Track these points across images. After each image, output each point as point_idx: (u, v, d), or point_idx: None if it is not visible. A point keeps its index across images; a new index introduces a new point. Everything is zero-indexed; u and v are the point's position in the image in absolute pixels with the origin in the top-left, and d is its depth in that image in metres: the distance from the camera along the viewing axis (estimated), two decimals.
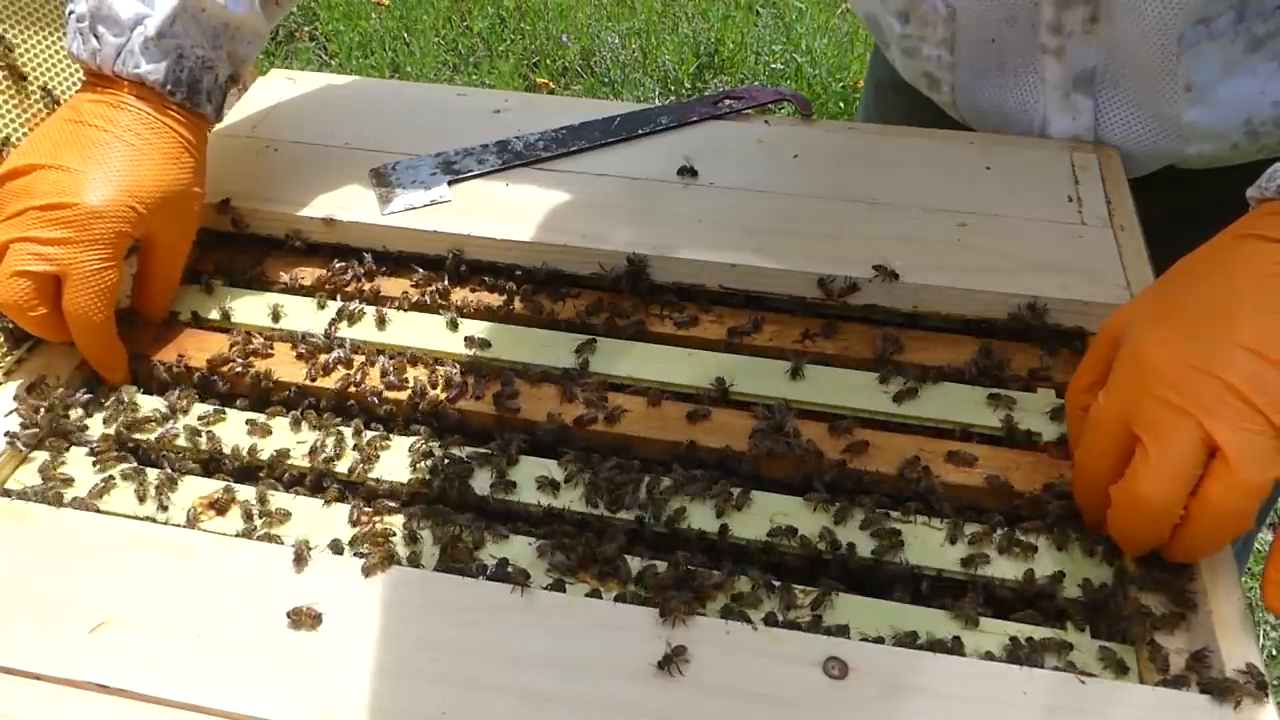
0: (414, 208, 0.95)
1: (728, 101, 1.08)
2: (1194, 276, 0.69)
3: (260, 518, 0.74)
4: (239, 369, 0.85)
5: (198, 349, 0.87)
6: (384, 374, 0.84)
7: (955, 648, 0.66)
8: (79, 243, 0.77)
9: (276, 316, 0.89)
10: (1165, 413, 0.62)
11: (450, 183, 0.98)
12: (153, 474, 0.77)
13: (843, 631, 0.67)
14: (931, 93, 1.07)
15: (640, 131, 1.04)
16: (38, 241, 0.77)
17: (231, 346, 0.87)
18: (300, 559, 0.68)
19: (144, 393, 0.84)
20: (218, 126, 1.06)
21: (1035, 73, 0.98)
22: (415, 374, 0.85)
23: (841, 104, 2.73)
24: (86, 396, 0.82)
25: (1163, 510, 0.63)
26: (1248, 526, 0.63)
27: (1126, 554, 0.69)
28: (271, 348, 0.87)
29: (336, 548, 0.72)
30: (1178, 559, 0.67)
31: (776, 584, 0.70)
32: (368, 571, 0.69)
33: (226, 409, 0.82)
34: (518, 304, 0.90)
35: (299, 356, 0.86)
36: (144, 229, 0.81)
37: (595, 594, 0.69)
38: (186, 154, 0.84)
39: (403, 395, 0.83)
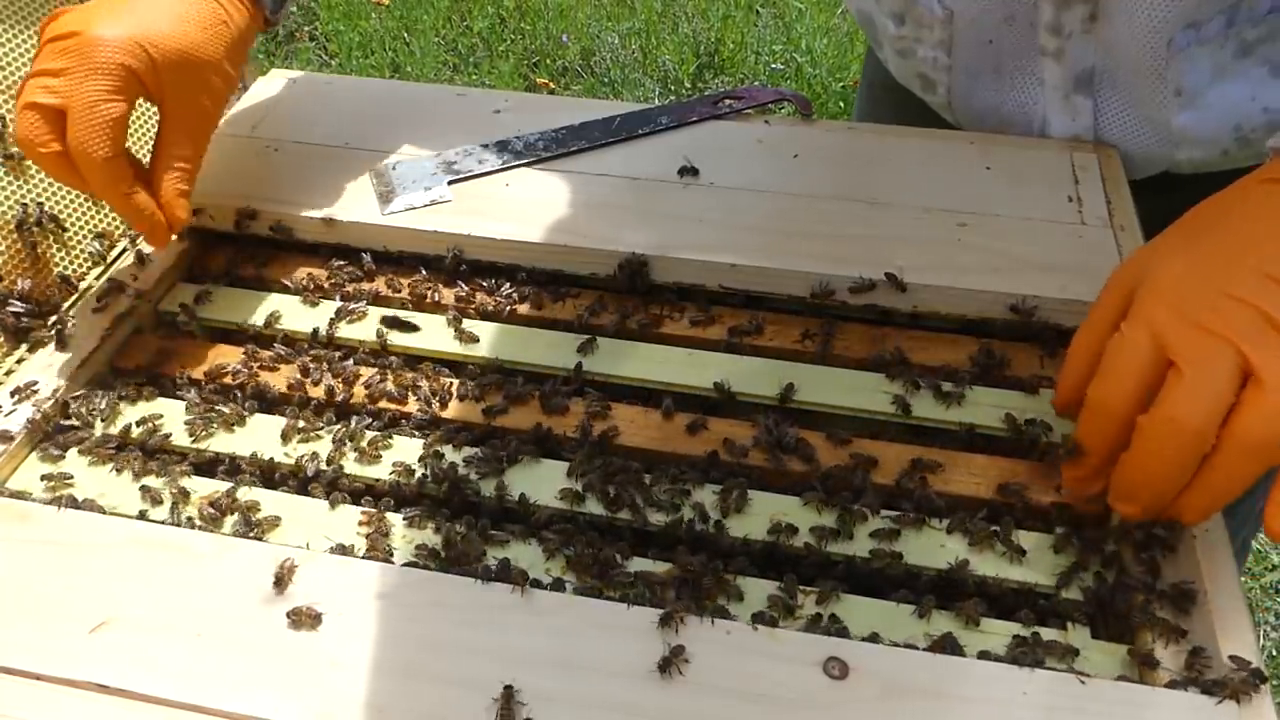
0: (414, 208, 0.95)
1: (728, 101, 1.08)
2: (1222, 213, 0.69)
3: (261, 518, 0.74)
4: (240, 371, 0.85)
5: (198, 350, 0.87)
6: (384, 375, 0.84)
7: (955, 648, 0.66)
8: (79, 71, 0.75)
9: (277, 318, 0.89)
10: (1201, 336, 0.61)
11: (450, 183, 0.98)
12: (153, 474, 0.77)
13: (843, 631, 0.67)
14: (926, 94, 1.07)
15: (640, 132, 1.04)
16: (46, 74, 0.76)
17: (233, 349, 0.87)
18: (280, 583, 0.67)
19: (144, 393, 0.84)
20: (218, 127, 1.06)
21: (1033, 75, 0.97)
22: (415, 375, 0.85)
23: (841, 104, 2.73)
24: (88, 396, 0.82)
25: (1197, 435, 0.61)
26: (1275, 460, 0.62)
27: (1133, 509, 0.67)
28: (272, 349, 0.87)
29: (337, 548, 0.72)
30: (1194, 514, 0.66)
31: (777, 584, 0.70)
32: (368, 571, 0.69)
33: (227, 410, 0.82)
34: (518, 304, 0.90)
35: (299, 357, 0.86)
36: (154, 79, 0.78)
37: (595, 594, 0.69)
38: (222, 27, 0.82)
39: (402, 396, 0.83)
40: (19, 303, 0.88)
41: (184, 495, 0.76)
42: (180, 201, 0.83)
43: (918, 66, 1.04)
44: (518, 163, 1.00)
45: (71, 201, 0.95)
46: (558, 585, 0.69)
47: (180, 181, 0.83)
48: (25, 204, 0.91)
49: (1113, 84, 0.95)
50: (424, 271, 0.93)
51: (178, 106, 0.81)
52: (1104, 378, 0.66)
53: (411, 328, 0.88)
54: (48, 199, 0.93)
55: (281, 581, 0.67)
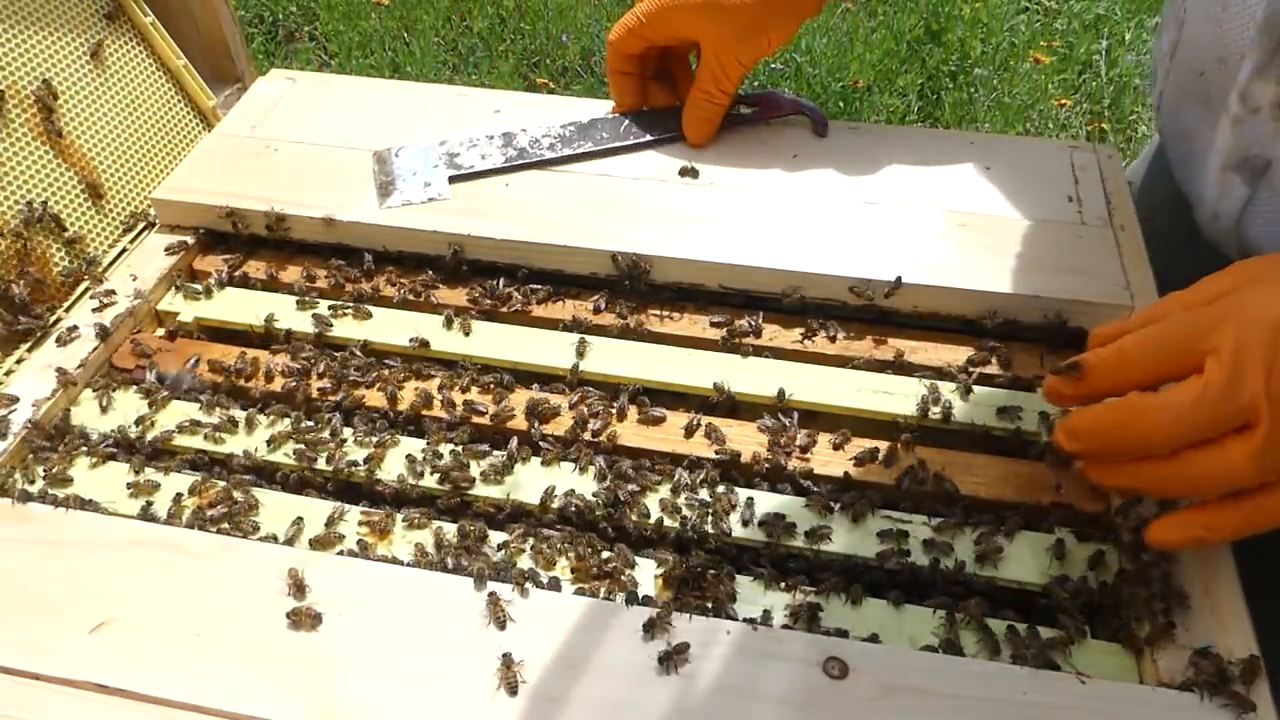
0: (411, 204, 0.95)
1: (742, 108, 1.05)
2: None
3: (260, 518, 0.74)
4: (239, 371, 0.85)
5: (198, 350, 0.87)
6: (383, 375, 0.84)
7: (955, 648, 0.66)
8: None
9: (276, 318, 0.89)
10: (1250, 359, 0.59)
11: (451, 179, 0.97)
12: (154, 474, 0.77)
13: (842, 632, 0.67)
14: (1150, 83, 0.99)
15: (648, 139, 1.02)
16: None
17: (232, 349, 0.87)
18: (301, 589, 0.68)
19: (144, 394, 0.84)
20: (217, 127, 1.07)
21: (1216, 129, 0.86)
22: (415, 375, 0.85)
23: (841, 104, 2.73)
24: (87, 397, 0.82)
25: (1196, 429, 0.61)
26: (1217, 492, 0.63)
27: (1076, 446, 0.69)
28: (271, 349, 0.87)
29: (338, 549, 0.72)
30: (1112, 480, 0.68)
31: (777, 584, 0.70)
32: (368, 571, 0.69)
33: (227, 410, 0.82)
34: (517, 304, 0.90)
35: (298, 357, 0.86)
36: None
37: (596, 594, 0.69)
38: None
39: (402, 396, 0.83)
40: (19, 303, 0.88)
41: (183, 495, 0.76)
42: (694, 128, 1.01)
43: (1156, 51, 0.97)
44: (521, 161, 0.99)
45: (73, 201, 0.95)
46: (557, 585, 0.69)
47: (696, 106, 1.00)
48: (30, 202, 0.91)
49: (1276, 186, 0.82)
50: (424, 271, 0.93)
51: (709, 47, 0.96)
52: (1143, 339, 0.65)
53: (410, 328, 0.88)
54: (50, 198, 0.93)
55: (301, 587, 0.67)
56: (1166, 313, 0.66)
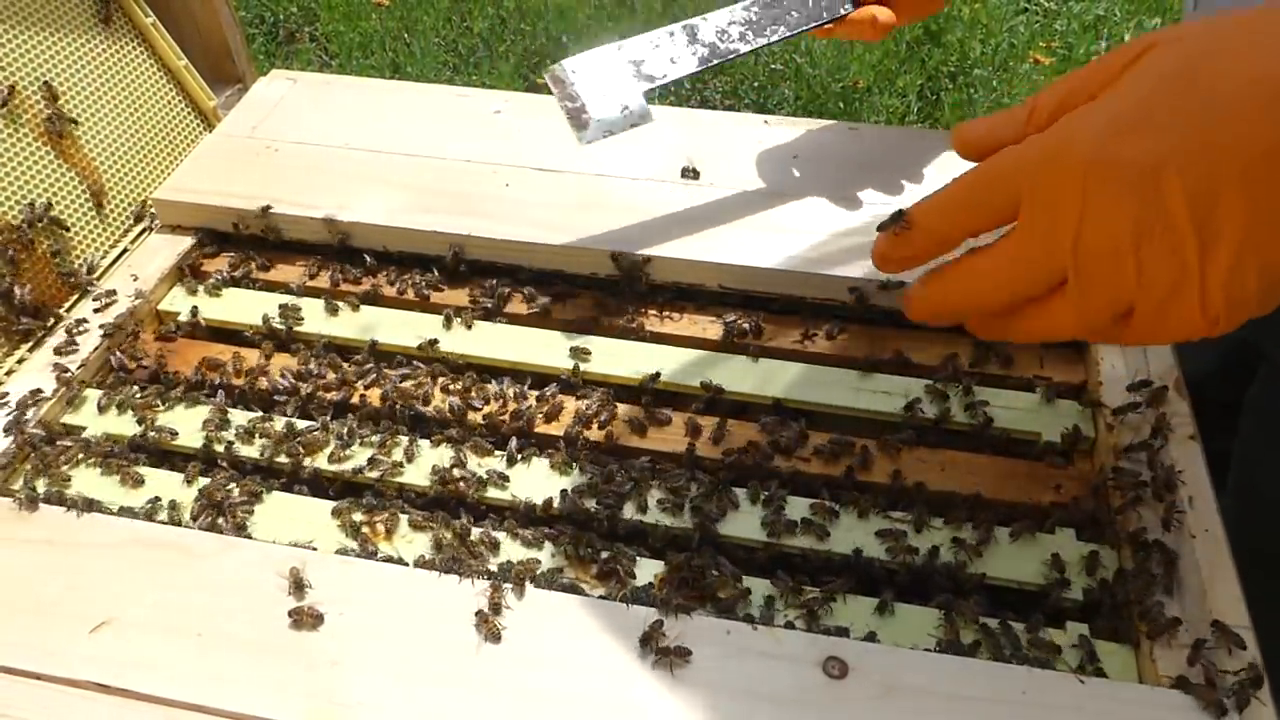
0: (613, 134, 0.83)
1: None
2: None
3: (260, 518, 0.74)
4: (239, 371, 0.85)
5: (198, 350, 0.87)
6: (384, 374, 0.84)
7: (955, 648, 0.66)
8: None
9: (276, 318, 0.89)
10: (1062, 205, 0.52)
11: (647, 94, 0.84)
12: (154, 473, 0.77)
13: (843, 631, 0.67)
14: None
15: (848, 8, 0.86)
16: None
17: (232, 349, 0.87)
18: (300, 587, 0.68)
19: (144, 393, 0.84)
20: (218, 127, 1.07)
21: None
22: (415, 374, 0.85)
23: (841, 104, 2.73)
24: (88, 396, 0.82)
25: (1007, 293, 0.55)
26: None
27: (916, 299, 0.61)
28: (271, 349, 0.87)
29: (338, 548, 0.72)
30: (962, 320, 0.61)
31: (777, 584, 0.70)
32: (369, 571, 0.69)
33: (227, 409, 0.82)
34: (517, 304, 0.90)
35: (298, 357, 0.86)
36: None
37: (596, 594, 0.69)
38: None
39: (403, 396, 0.83)
40: (20, 303, 0.88)
41: (183, 495, 0.76)
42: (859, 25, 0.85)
43: None
44: (715, 60, 0.85)
45: (74, 201, 0.95)
46: (557, 585, 0.69)
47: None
48: (31, 203, 0.91)
49: None
50: (424, 271, 0.93)
51: None
52: (973, 178, 0.56)
53: (410, 328, 0.88)
54: (51, 198, 0.93)
55: (301, 586, 0.67)
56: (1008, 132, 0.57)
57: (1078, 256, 0.51)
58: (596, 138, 0.82)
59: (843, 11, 0.86)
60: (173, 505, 0.75)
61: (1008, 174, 0.54)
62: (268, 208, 0.94)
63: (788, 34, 0.86)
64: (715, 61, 0.84)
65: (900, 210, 0.58)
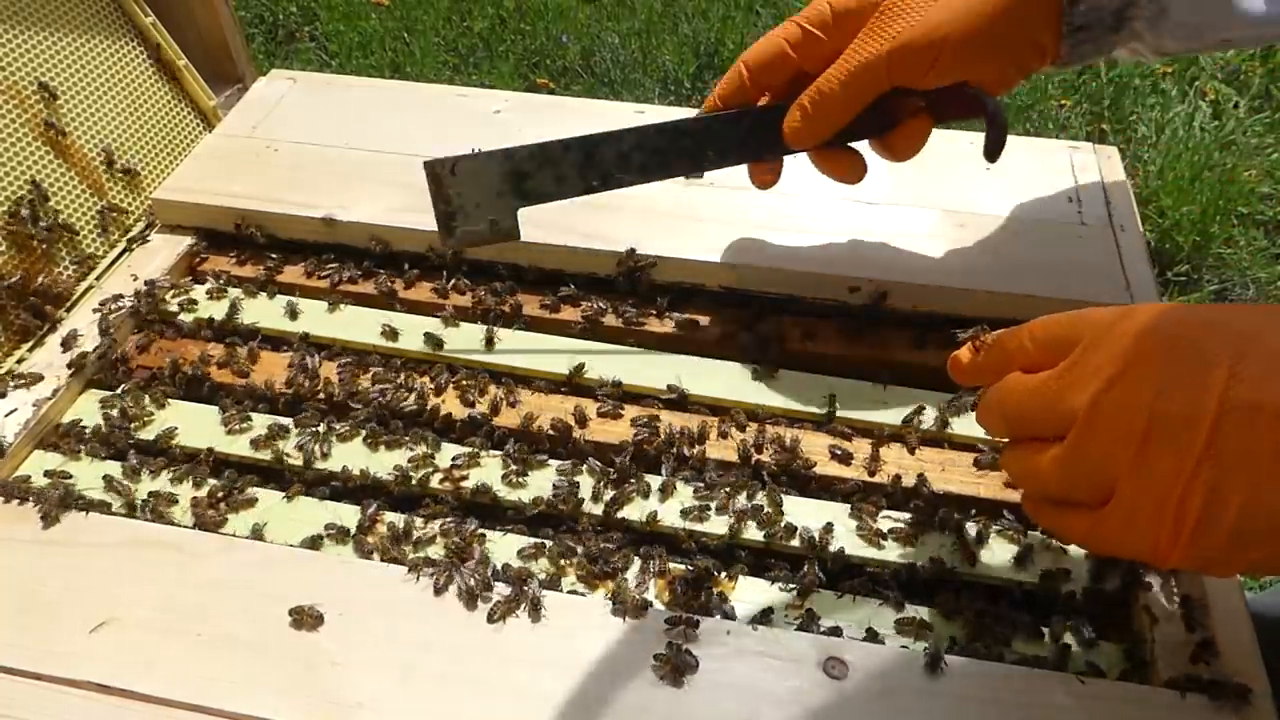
0: (475, 245, 0.82)
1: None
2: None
3: (260, 517, 0.74)
4: (240, 371, 0.85)
5: (198, 350, 0.87)
6: (384, 374, 0.84)
7: (955, 648, 0.66)
8: None
9: (276, 317, 0.89)
10: (1096, 363, 0.53)
11: (518, 208, 0.80)
12: (154, 473, 0.77)
13: (842, 631, 0.67)
14: None
15: (777, 154, 0.81)
16: None
17: (233, 349, 0.87)
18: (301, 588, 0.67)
19: (144, 393, 0.84)
20: (218, 127, 1.07)
21: None
22: (414, 375, 0.85)
23: None
24: (88, 397, 0.82)
25: (1016, 422, 0.57)
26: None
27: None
28: (271, 349, 0.87)
29: (340, 547, 0.72)
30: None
31: (777, 583, 0.70)
32: (368, 571, 0.69)
33: (227, 409, 0.82)
34: (517, 305, 0.90)
35: (298, 356, 0.86)
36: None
37: (595, 594, 0.69)
38: None
39: (403, 396, 0.83)
40: (20, 302, 0.88)
41: (184, 494, 0.76)
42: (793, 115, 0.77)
43: None
44: (603, 190, 0.80)
45: (74, 201, 0.95)
46: (557, 585, 0.69)
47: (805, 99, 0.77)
48: (32, 202, 0.91)
49: None
50: (423, 271, 0.93)
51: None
52: (1050, 323, 0.58)
53: (409, 328, 0.88)
54: (51, 198, 0.93)
55: (302, 589, 0.67)
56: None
57: (1094, 405, 0.51)
58: (459, 248, 0.83)
59: (769, 158, 0.82)
60: (172, 505, 0.75)
61: (1081, 321, 0.55)
62: (330, 219, 0.93)
63: (692, 172, 0.81)
64: (601, 189, 0.79)
65: (983, 328, 0.63)
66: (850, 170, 0.81)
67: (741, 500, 0.74)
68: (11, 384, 0.82)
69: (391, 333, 0.87)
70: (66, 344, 0.86)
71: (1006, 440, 0.61)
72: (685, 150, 0.78)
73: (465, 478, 0.76)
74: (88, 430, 0.81)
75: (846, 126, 0.77)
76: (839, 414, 0.81)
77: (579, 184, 0.78)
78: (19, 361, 0.86)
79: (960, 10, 0.71)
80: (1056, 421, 0.54)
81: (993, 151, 0.76)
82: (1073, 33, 0.74)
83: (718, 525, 0.73)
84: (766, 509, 0.74)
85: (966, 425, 0.79)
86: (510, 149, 0.77)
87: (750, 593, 0.70)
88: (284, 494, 0.77)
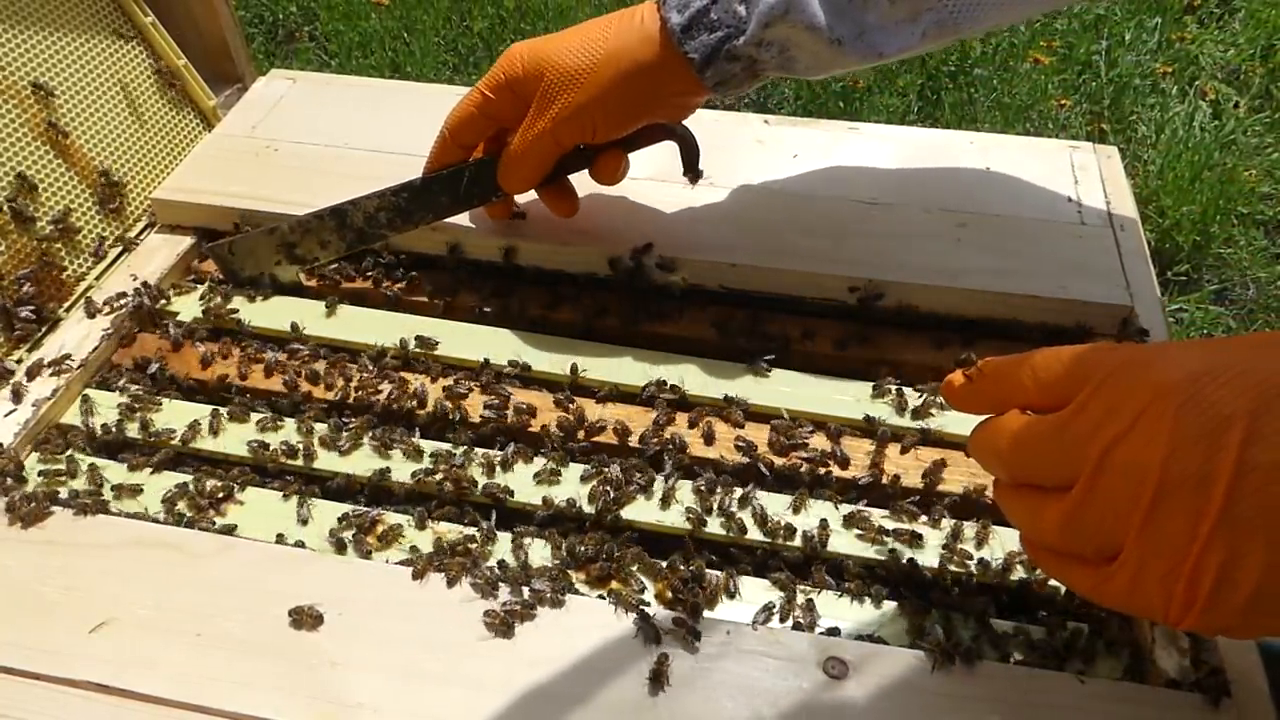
0: (248, 304, 0.90)
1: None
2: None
3: (260, 517, 0.74)
4: (240, 371, 0.85)
5: (198, 350, 0.87)
6: (383, 375, 0.84)
7: (955, 648, 0.66)
8: None
9: (276, 318, 0.89)
10: (1108, 409, 0.50)
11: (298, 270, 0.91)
12: (153, 473, 0.77)
13: (842, 631, 0.67)
14: None
15: (498, 195, 0.88)
16: None
17: (232, 349, 0.87)
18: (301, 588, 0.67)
19: (143, 393, 0.84)
20: (218, 127, 1.07)
21: None
22: (412, 374, 0.85)
23: (841, 104, 2.73)
24: (87, 396, 0.82)
25: (1011, 465, 0.54)
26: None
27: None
28: (271, 349, 0.87)
29: (339, 547, 0.72)
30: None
31: (777, 583, 0.70)
32: (368, 571, 0.69)
33: (226, 409, 0.82)
34: (516, 304, 0.90)
35: (298, 356, 0.86)
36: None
37: (595, 594, 0.69)
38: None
39: (402, 396, 0.83)
40: (20, 302, 0.88)
41: (182, 494, 0.76)
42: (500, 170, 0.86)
43: None
44: (361, 246, 0.90)
45: (74, 201, 0.95)
46: (557, 585, 0.69)
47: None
48: (31, 201, 0.91)
49: None
50: (423, 271, 0.93)
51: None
52: (1050, 354, 0.55)
53: (408, 329, 0.88)
54: (51, 198, 0.93)
55: (303, 589, 0.67)
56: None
57: (1104, 460, 0.48)
58: (234, 309, 0.89)
59: (494, 199, 0.89)
60: (171, 504, 0.75)
61: (1088, 361, 0.52)
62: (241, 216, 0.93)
63: (434, 219, 0.89)
64: (362, 246, 0.90)
65: (971, 358, 0.60)
66: (559, 206, 0.90)
67: (741, 500, 0.74)
68: (10, 383, 0.82)
69: (392, 333, 0.87)
70: (65, 344, 0.85)
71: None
72: (424, 204, 0.88)
73: (465, 478, 0.76)
74: (86, 430, 0.80)
75: (549, 174, 0.85)
76: (838, 414, 0.81)
77: (340, 245, 0.90)
78: (18, 362, 0.86)
79: (604, 87, 0.79)
80: (1058, 474, 0.51)
81: (690, 168, 0.88)
82: (714, 87, 0.80)
83: (717, 525, 0.73)
84: (766, 509, 0.74)
85: (966, 425, 0.79)
86: (273, 226, 0.90)
87: (750, 593, 0.70)
88: (283, 494, 0.77)
